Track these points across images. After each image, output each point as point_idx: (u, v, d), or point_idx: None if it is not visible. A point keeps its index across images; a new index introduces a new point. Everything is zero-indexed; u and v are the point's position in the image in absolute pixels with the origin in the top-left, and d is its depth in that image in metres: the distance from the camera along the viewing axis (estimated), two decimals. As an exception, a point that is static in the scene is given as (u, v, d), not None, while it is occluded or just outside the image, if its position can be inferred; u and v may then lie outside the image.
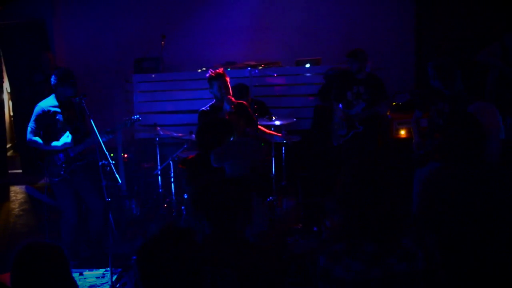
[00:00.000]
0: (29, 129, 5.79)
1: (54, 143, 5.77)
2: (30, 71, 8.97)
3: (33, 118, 5.79)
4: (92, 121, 5.63)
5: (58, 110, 5.80)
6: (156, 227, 2.37)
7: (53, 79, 5.79)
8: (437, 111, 6.01)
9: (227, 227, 3.04)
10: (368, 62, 7.19)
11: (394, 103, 6.93)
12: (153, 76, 8.79)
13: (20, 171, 9.84)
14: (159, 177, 7.47)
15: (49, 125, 5.77)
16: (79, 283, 5.58)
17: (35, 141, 5.78)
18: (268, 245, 3.14)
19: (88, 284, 5.58)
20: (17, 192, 9.11)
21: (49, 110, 5.77)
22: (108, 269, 5.60)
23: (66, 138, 5.78)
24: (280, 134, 6.93)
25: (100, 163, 6.15)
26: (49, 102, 5.82)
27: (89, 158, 6.11)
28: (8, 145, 10.96)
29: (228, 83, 6.11)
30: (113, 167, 5.54)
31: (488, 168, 3.94)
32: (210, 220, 3.05)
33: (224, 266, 2.84)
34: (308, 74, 8.81)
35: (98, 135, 5.57)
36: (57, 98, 5.83)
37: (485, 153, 4.00)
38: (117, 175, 5.57)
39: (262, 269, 2.92)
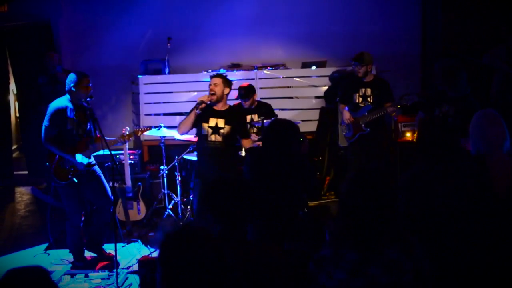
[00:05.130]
0: (43, 128, 5.78)
1: (71, 156, 5.79)
2: (36, 73, 8.99)
3: (47, 117, 5.77)
4: (98, 124, 5.69)
5: (71, 111, 5.81)
6: (169, 229, 2.32)
7: (68, 81, 5.81)
8: (442, 113, 6.01)
9: (236, 226, 3.03)
10: (373, 64, 7.20)
11: (399, 106, 6.92)
12: (159, 77, 8.80)
13: (26, 172, 9.86)
14: (165, 179, 7.48)
15: (61, 125, 5.77)
16: (83, 284, 5.60)
17: (50, 147, 5.81)
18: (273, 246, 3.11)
19: (93, 286, 5.57)
20: (22, 193, 9.15)
21: (63, 109, 5.76)
22: (113, 270, 5.61)
23: (83, 159, 5.80)
24: None
25: (106, 164, 6.18)
26: (63, 102, 5.82)
27: (95, 159, 6.14)
28: (14, 147, 10.99)
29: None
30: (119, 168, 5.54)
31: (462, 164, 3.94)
32: (218, 218, 3.04)
33: (233, 267, 2.83)
34: (313, 76, 8.79)
35: (106, 143, 5.62)
36: (71, 100, 5.84)
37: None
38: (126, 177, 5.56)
39: (267, 271, 2.91)
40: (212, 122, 6.13)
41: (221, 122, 6.12)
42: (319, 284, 2.61)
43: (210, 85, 6.17)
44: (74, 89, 5.78)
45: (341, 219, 2.67)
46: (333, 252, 2.64)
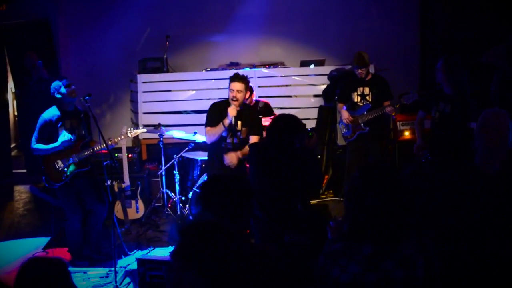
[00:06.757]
0: (33, 139, 5.87)
1: (52, 144, 5.80)
2: (26, 74, 9.02)
3: (36, 129, 5.87)
4: (97, 123, 5.69)
5: (60, 119, 5.84)
6: (180, 227, 2.35)
7: (52, 91, 5.85)
8: (438, 112, 6.01)
9: (234, 221, 3.03)
10: (371, 62, 7.20)
11: (398, 105, 6.89)
12: (157, 76, 8.79)
13: (24, 170, 9.85)
14: (164, 177, 7.48)
15: (51, 135, 5.81)
16: (82, 283, 5.60)
17: (37, 148, 5.84)
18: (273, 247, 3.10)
19: (92, 284, 5.58)
20: (21, 192, 9.14)
21: (51, 121, 5.82)
22: (112, 269, 5.61)
23: (63, 137, 5.80)
24: None
25: (105, 163, 6.17)
26: (51, 113, 5.88)
27: (93, 159, 6.13)
28: (13, 145, 10.98)
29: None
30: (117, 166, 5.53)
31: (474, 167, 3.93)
32: (215, 215, 3.04)
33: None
34: (312, 75, 8.78)
35: (104, 140, 5.64)
36: (59, 108, 5.88)
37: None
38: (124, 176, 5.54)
39: (266, 273, 2.90)
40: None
41: (239, 124, 6.08)
42: (331, 278, 2.60)
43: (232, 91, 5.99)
44: (59, 96, 5.84)
45: (355, 213, 2.65)
46: (347, 245, 2.64)
